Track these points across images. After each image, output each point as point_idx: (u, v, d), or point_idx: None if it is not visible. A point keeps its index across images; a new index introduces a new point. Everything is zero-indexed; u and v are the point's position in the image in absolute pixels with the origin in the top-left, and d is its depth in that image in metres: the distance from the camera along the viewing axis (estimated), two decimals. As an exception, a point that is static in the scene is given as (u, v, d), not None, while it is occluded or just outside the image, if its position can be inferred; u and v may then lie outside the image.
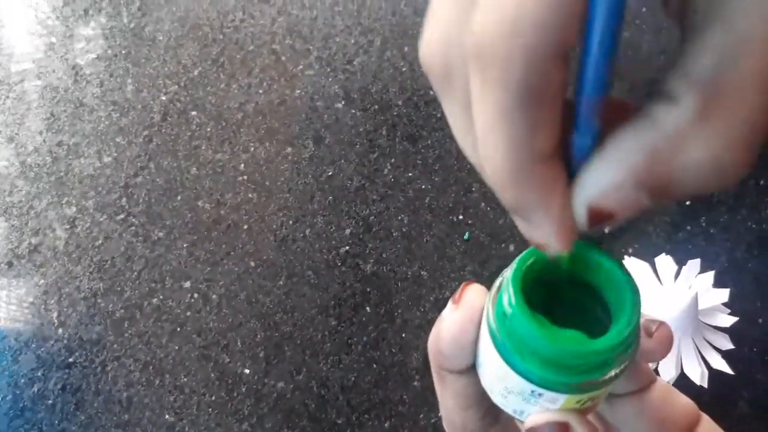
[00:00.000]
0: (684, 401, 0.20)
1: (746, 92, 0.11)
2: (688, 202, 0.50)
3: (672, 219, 0.50)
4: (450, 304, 0.21)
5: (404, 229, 0.52)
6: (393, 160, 0.55)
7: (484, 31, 0.11)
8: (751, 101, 0.11)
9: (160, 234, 0.53)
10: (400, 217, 0.52)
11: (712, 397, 0.43)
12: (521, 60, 0.11)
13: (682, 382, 0.41)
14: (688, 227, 0.50)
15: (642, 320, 0.21)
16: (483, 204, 0.52)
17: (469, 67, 0.12)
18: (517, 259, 0.20)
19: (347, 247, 0.51)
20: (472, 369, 0.21)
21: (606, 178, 0.13)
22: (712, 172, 0.12)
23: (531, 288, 0.20)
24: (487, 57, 0.12)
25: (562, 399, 0.19)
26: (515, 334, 0.19)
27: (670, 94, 0.12)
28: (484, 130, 0.13)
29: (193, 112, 0.59)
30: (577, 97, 0.13)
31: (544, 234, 0.15)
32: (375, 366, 0.47)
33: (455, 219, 0.52)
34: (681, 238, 0.50)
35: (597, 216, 0.14)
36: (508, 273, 0.20)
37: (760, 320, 0.46)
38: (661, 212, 0.50)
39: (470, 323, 0.21)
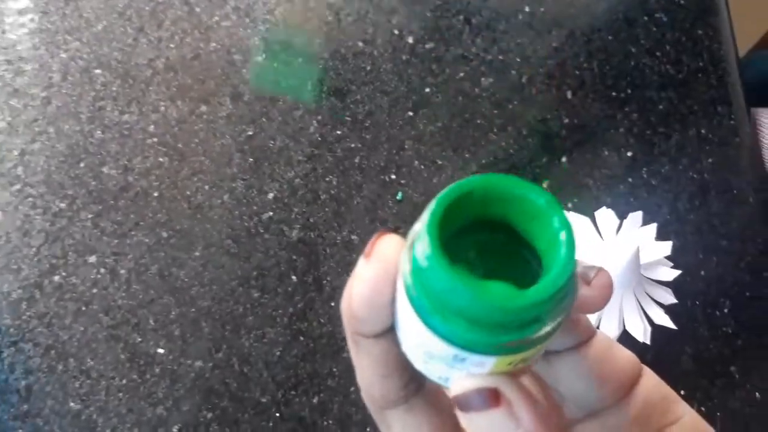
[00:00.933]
0: (625, 355, 0.19)
1: None
2: (629, 153, 0.48)
3: (612, 171, 0.48)
4: (362, 258, 0.18)
5: (332, 192, 0.48)
6: (319, 117, 0.51)
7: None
8: None
9: (62, 205, 0.48)
10: (327, 179, 0.49)
11: (656, 353, 0.42)
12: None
13: (624, 339, 0.39)
14: (629, 179, 0.48)
15: (578, 267, 0.17)
16: (416, 162, 0.49)
17: None
18: (434, 200, 0.16)
19: (270, 213, 0.47)
20: (390, 332, 0.18)
21: None
22: None
23: (452, 237, 0.16)
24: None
25: (490, 362, 0.16)
26: (433, 290, 0.16)
27: None
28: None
29: (97, 70, 0.53)
30: None
31: None
32: (302, 338, 0.44)
33: (387, 179, 0.48)
34: (622, 191, 0.47)
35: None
36: (424, 217, 0.17)
37: (702, 272, 0.45)
38: (601, 165, 0.48)
39: (385, 280, 0.18)
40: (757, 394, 0.41)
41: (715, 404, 0.41)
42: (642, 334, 0.38)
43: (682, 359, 0.42)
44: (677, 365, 0.42)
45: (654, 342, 0.43)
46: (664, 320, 0.38)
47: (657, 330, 0.43)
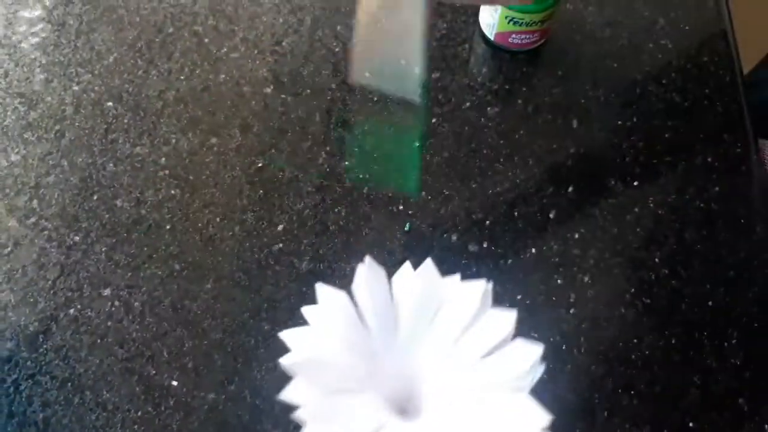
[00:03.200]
0: None
1: None
2: (635, 183, 0.48)
3: (618, 201, 0.48)
4: None
5: (341, 223, 0.49)
6: (328, 148, 0.51)
7: None
8: None
9: (76, 238, 0.49)
10: (336, 210, 0.49)
11: (662, 386, 0.42)
12: None
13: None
14: (636, 209, 0.48)
15: None
16: (424, 193, 0.49)
17: None
18: None
19: (280, 245, 0.48)
20: None
21: None
22: None
23: None
24: None
25: None
26: None
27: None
28: None
29: (109, 103, 0.54)
30: None
31: None
32: (313, 371, 0.44)
33: (395, 209, 0.49)
34: (628, 221, 0.48)
35: None
36: None
37: (710, 303, 0.45)
38: (607, 195, 0.48)
39: None
40: (766, 426, 0.41)
41: (722, 437, 0.41)
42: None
43: (690, 391, 0.42)
44: (685, 397, 0.42)
45: (661, 374, 0.43)
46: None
47: (664, 362, 0.43)
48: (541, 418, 0.22)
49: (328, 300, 0.24)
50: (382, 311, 0.24)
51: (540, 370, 0.23)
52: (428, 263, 0.25)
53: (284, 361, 0.23)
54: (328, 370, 0.23)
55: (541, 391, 0.42)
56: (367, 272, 0.24)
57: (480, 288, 0.24)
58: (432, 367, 0.24)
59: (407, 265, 0.25)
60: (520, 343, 0.23)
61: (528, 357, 0.23)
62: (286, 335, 0.24)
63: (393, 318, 0.24)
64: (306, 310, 0.24)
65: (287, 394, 0.21)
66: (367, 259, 0.24)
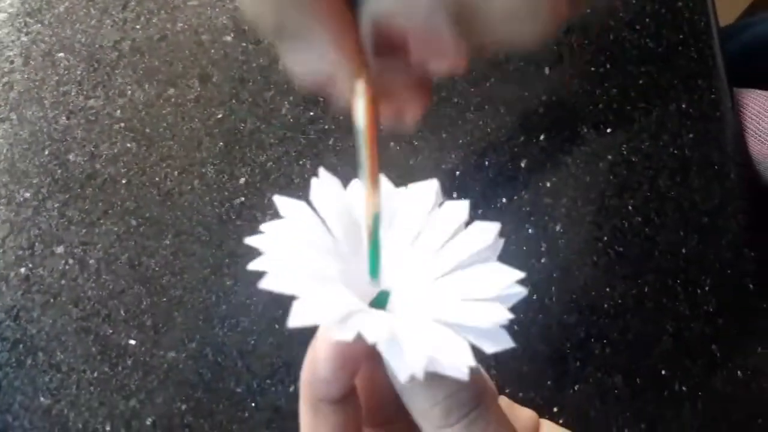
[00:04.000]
0: (526, 414, 0.21)
1: None
2: (609, 130, 0.47)
3: (591, 149, 0.47)
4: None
5: (306, 175, 0.47)
6: (291, 98, 0.49)
7: None
8: None
9: (26, 194, 0.46)
10: (301, 162, 0.47)
11: (635, 334, 0.41)
12: None
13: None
14: (609, 156, 0.47)
15: None
16: (392, 143, 0.48)
17: None
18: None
19: (242, 198, 0.46)
20: (348, 399, 0.18)
21: None
22: (519, 13, 0.11)
23: None
24: None
25: None
26: None
27: None
28: None
29: (60, 54, 0.51)
30: None
31: (324, 54, 0.13)
32: (277, 326, 0.43)
33: (362, 160, 0.47)
34: (601, 169, 0.46)
35: (383, 40, 0.12)
36: None
37: (684, 250, 0.44)
38: (580, 142, 0.47)
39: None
40: (738, 372, 0.41)
41: (696, 384, 0.41)
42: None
43: (663, 339, 0.41)
44: (658, 345, 0.41)
45: (634, 322, 0.42)
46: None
47: (637, 310, 0.42)
48: (515, 273, 0.21)
49: (290, 210, 0.23)
50: (344, 217, 0.23)
51: (500, 245, 0.22)
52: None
53: (251, 240, 0.22)
54: (302, 253, 0.22)
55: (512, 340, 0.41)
56: (322, 182, 0.23)
57: (432, 187, 0.24)
58: (395, 266, 0.24)
59: (356, 181, 0.24)
60: (477, 224, 0.22)
61: (487, 234, 0.22)
62: (264, 226, 0.23)
63: (355, 223, 0.23)
64: (266, 226, 0.22)
65: (254, 265, 0.20)
66: (321, 171, 0.23)
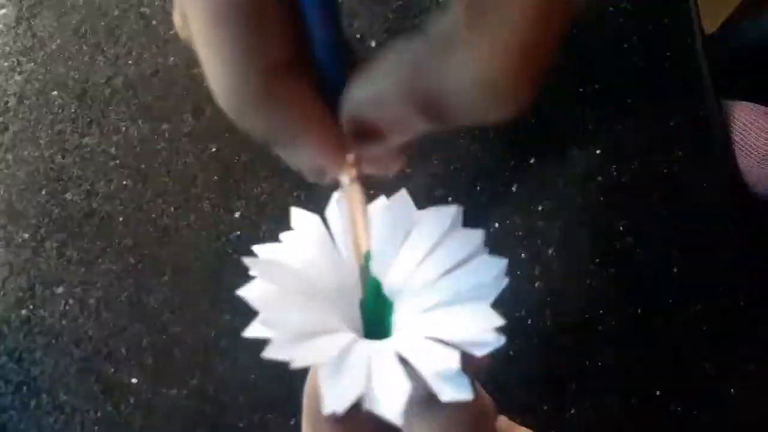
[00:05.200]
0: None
1: (506, 9, 0.10)
2: (598, 151, 0.47)
3: (581, 170, 0.47)
4: None
5: (300, 207, 0.47)
6: (284, 130, 0.50)
7: None
8: (512, 20, 0.10)
9: (25, 235, 0.47)
10: (295, 194, 0.48)
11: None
12: None
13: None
14: (599, 177, 0.47)
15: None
16: (385, 170, 0.48)
17: None
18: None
19: (238, 232, 0.47)
20: (349, 415, 0.19)
21: (369, 88, 0.12)
22: (482, 92, 0.11)
23: None
24: None
25: None
26: None
27: (447, 5, 0.11)
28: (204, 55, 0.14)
29: (54, 92, 0.52)
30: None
31: (312, 155, 0.14)
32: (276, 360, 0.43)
33: (355, 189, 0.47)
34: (592, 189, 0.47)
35: (361, 129, 0.13)
36: None
37: (675, 270, 0.44)
38: (570, 163, 0.47)
39: None
40: (732, 390, 0.41)
41: (691, 404, 0.41)
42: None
43: (658, 359, 0.42)
44: (653, 365, 0.42)
45: (628, 344, 0.43)
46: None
47: (631, 331, 0.43)
48: (495, 320, 0.21)
49: (301, 222, 0.24)
50: (325, 244, 0.24)
51: (504, 283, 0.23)
52: (402, 193, 0.25)
53: (248, 262, 0.23)
54: (293, 275, 0.22)
55: (508, 367, 0.42)
56: (340, 198, 0.24)
57: (450, 212, 0.24)
58: (398, 289, 0.24)
59: (382, 197, 0.25)
60: (484, 257, 0.23)
61: (491, 270, 0.23)
62: (257, 248, 0.24)
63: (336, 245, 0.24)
64: (281, 236, 0.24)
65: (244, 292, 0.21)
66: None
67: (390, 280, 0.24)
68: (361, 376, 0.20)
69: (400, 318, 0.24)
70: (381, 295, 0.25)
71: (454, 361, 0.20)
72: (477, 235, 0.23)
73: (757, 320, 0.43)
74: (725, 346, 0.43)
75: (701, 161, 0.47)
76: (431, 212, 0.25)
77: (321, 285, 0.24)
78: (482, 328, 0.21)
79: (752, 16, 0.75)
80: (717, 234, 0.45)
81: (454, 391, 0.20)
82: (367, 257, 0.23)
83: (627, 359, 0.43)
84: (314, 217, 0.25)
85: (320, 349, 0.21)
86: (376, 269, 0.24)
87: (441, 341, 0.21)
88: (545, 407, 0.42)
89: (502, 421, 0.22)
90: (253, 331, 0.22)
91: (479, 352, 0.21)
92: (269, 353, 0.21)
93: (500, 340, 0.21)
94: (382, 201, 0.26)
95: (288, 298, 0.22)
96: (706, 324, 0.43)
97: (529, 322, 0.44)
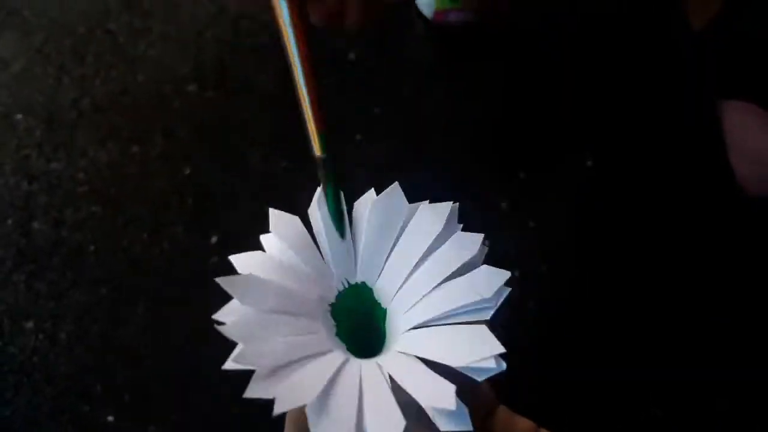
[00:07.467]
0: (524, 424, 0.20)
1: None
2: (589, 163, 0.46)
3: (572, 178, 0.46)
4: None
5: (281, 227, 0.45)
6: (263, 150, 0.48)
7: None
8: None
9: (-9, 268, 0.45)
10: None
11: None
12: None
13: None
14: (590, 189, 0.45)
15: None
16: (373, 190, 0.46)
17: None
18: None
19: (216, 258, 0.44)
20: None
21: None
22: None
23: None
24: None
25: None
26: None
27: None
28: None
29: (18, 115, 0.49)
30: None
31: None
32: (259, 392, 0.41)
33: (337, 208, 0.46)
34: (584, 192, 0.45)
35: None
36: None
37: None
38: (562, 171, 0.45)
39: None
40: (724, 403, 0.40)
41: (689, 426, 0.40)
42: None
43: (655, 380, 0.40)
44: (650, 385, 0.40)
45: (626, 363, 0.41)
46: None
47: (628, 350, 0.41)
48: (495, 347, 0.19)
49: (280, 224, 0.22)
50: (337, 236, 0.22)
51: (504, 294, 0.20)
52: (395, 186, 0.22)
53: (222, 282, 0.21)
54: (272, 291, 0.20)
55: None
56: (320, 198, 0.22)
57: (445, 209, 0.21)
58: (392, 295, 0.22)
59: (371, 191, 0.22)
60: (484, 268, 0.20)
61: (491, 283, 0.20)
62: (234, 258, 0.21)
63: (349, 242, 0.22)
64: (261, 238, 0.22)
65: (221, 315, 0.19)
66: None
67: (383, 284, 0.22)
68: (351, 414, 0.18)
69: (394, 328, 0.22)
70: (374, 301, 0.23)
71: (450, 400, 0.19)
72: (475, 239, 0.21)
73: (756, 320, 0.41)
74: (720, 360, 0.41)
75: (695, 165, 0.46)
76: (426, 208, 0.23)
77: (303, 296, 0.22)
78: (482, 354, 0.20)
79: (739, 12, 0.73)
80: (711, 241, 0.44)
81: (453, 423, 0.19)
82: (323, 139, 0.21)
83: (625, 380, 0.41)
84: (294, 219, 0.23)
85: (306, 381, 0.19)
86: (366, 269, 0.22)
87: (438, 365, 0.20)
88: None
89: (502, 411, 0.21)
90: (232, 365, 0.20)
91: (479, 378, 0.20)
92: (251, 392, 0.19)
93: (501, 366, 0.20)
94: (371, 194, 0.24)
95: (268, 321, 0.20)
96: (706, 324, 0.41)
97: (527, 344, 0.42)
